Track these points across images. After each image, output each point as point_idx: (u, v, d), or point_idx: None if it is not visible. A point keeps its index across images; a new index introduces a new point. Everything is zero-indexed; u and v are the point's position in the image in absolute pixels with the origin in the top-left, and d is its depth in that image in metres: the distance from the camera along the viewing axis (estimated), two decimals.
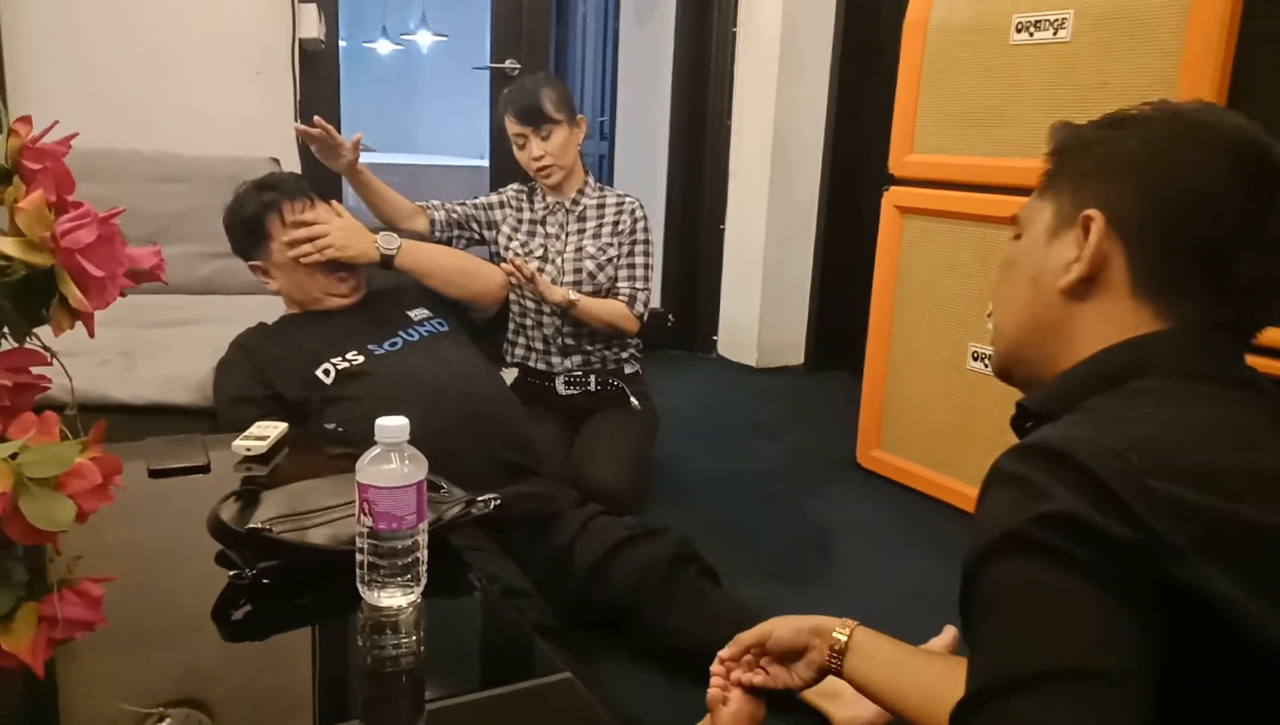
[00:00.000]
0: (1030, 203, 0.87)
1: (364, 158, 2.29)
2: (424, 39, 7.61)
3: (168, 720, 0.82)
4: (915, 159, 2.52)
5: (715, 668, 1.16)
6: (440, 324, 2.02)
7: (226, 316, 2.45)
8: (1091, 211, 0.79)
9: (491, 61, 3.72)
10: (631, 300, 2.39)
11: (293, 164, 3.10)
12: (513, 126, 2.36)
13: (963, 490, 2.44)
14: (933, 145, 2.48)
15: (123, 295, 0.85)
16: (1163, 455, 0.65)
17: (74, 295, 0.80)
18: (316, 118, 2.17)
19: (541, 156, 2.34)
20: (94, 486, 0.76)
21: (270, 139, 3.07)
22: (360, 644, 1.00)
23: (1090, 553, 0.62)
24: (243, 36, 3.12)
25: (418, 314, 2.02)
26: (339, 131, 2.20)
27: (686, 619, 1.64)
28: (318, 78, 3.25)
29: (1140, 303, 0.78)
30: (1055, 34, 2.16)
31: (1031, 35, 2.21)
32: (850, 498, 2.56)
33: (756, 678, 1.13)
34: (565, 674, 0.95)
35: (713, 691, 1.15)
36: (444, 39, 7.55)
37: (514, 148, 2.40)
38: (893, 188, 2.59)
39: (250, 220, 1.96)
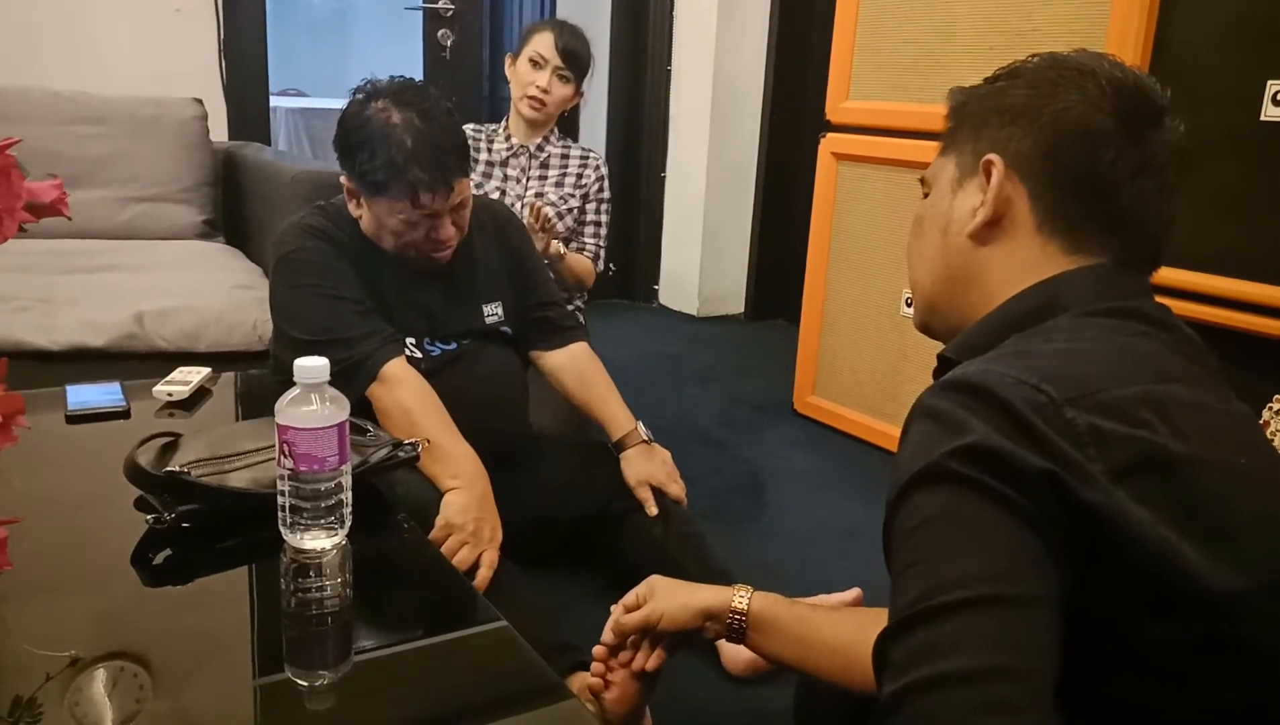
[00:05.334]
0: (934, 162, 0.89)
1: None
2: None
3: (100, 670, 0.80)
4: (851, 105, 2.52)
5: (598, 650, 1.12)
6: (505, 329, 1.76)
7: (148, 262, 2.38)
8: (991, 156, 0.81)
9: (424, 1, 3.63)
10: (596, 256, 2.43)
11: (217, 105, 3.01)
12: (544, 46, 2.30)
13: (895, 434, 2.44)
14: (868, 92, 2.48)
15: (22, 230, 0.81)
16: (1078, 387, 0.66)
17: None
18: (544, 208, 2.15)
19: (546, 92, 2.31)
20: None
21: (193, 79, 2.96)
22: (284, 588, 0.98)
23: (1004, 483, 0.63)
24: None
25: (490, 311, 1.74)
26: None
27: (658, 526, 1.63)
28: (243, 16, 3.14)
29: (1046, 240, 0.80)
30: None
31: None
32: (786, 442, 2.59)
33: (651, 662, 1.08)
34: (500, 622, 0.95)
35: (593, 681, 1.11)
36: None
37: (520, 60, 2.33)
38: (829, 134, 2.59)
39: (385, 166, 1.48)
